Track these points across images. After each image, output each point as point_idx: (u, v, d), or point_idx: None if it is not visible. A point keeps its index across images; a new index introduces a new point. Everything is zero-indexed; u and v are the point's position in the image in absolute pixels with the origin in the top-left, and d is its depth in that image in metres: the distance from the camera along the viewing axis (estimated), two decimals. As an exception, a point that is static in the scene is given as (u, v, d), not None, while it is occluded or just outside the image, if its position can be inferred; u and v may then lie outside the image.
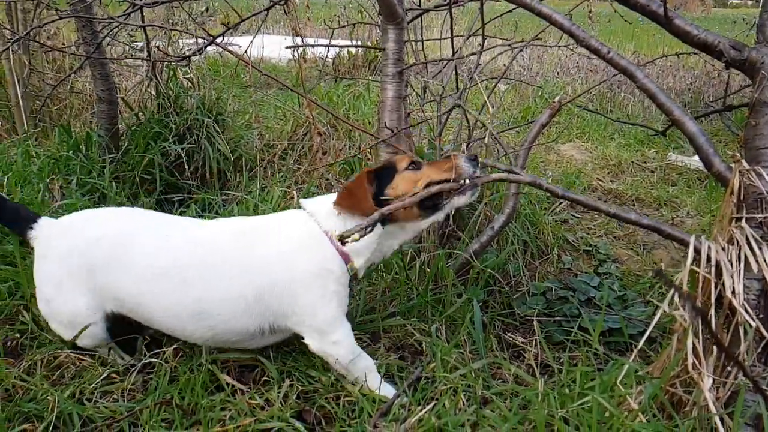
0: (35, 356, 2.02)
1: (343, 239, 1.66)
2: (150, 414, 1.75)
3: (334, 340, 1.90)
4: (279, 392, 1.90)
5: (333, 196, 1.98)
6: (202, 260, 1.92)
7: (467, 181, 1.95)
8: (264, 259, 1.92)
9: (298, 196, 3.08)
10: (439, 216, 2.02)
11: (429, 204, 1.96)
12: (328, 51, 4.80)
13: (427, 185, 1.93)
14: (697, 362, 1.61)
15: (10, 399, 1.84)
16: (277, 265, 1.91)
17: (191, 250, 1.94)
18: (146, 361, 2.00)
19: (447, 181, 1.94)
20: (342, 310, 1.96)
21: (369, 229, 1.70)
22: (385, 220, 1.92)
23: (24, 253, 2.41)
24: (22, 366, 2.00)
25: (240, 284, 1.89)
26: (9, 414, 1.76)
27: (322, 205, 1.99)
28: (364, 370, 1.94)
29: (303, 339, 1.95)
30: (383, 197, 1.94)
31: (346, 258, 1.94)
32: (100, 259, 1.92)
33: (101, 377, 1.97)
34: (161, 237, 1.97)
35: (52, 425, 1.75)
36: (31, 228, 2.00)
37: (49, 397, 1.82)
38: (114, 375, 2.00)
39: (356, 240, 1.66)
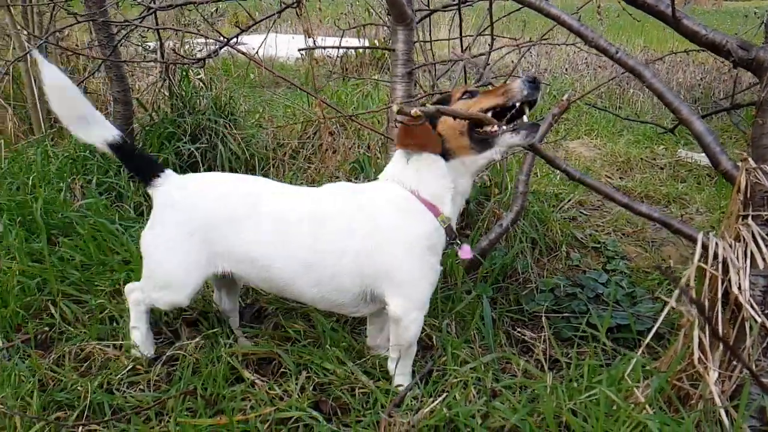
0: (64, 349, 2.11)
1: (401, 111, 1.64)
2: (175, 403, 1.83)
3: (414, 317, 1.96)
4: (296, 384, 1.97)
5: (397, 162, 2.00)
6: (318, 216, 1.98)
7: (525, 119, 1.87)
8: (369, 221, 1.96)
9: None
10: (493, 154, 1.91)
11: (479, 137, 1.88)
12: (338, 52, 4.85)
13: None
14: (703, 356, 1.66)
15: (43, 389, 1.92)
16: (382, 228, 1.95)
17: (309, 207, 2.01)
18: (170, 353, 2.07)
19: (501, 107, 1.85)
20: (431, 291, 1.99)
21: (424, 120, 1.69)
22: (447, 155, 1.91)
23: (51, 251, 2.50)
24: (52, 358, 2.08)
25: (347, 241, 1.95)
26: (43, 402, 1.85)
27: (395, 166, 2.01)
28: (409, 354, 2.03)
29: (388, 305, 1.97)
30: (438, 130, 1.91)
31: (435, 211, 1.95)
32: (225, 216, 2.00)
33: (127, 368, 2.05)
34: (283, 195, 2.07)
35: (84, 414, 1.83)
36: (158, 176, 2.08)
37: (79, 387, 1.91)
38: (139, 366, 2.08)
39: (418, 114, 1.64)
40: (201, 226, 2.01)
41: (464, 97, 1.94)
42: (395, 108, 1.68)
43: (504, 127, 1.85)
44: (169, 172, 2.11)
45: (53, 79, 1.93)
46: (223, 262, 2.04)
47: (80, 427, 1.75)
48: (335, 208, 2.01)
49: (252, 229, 1.99)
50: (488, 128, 1.86)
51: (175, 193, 2.06)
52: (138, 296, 2.11)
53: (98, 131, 2.03)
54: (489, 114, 1.86)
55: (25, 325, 2.29)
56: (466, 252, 2.06)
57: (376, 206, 1.98)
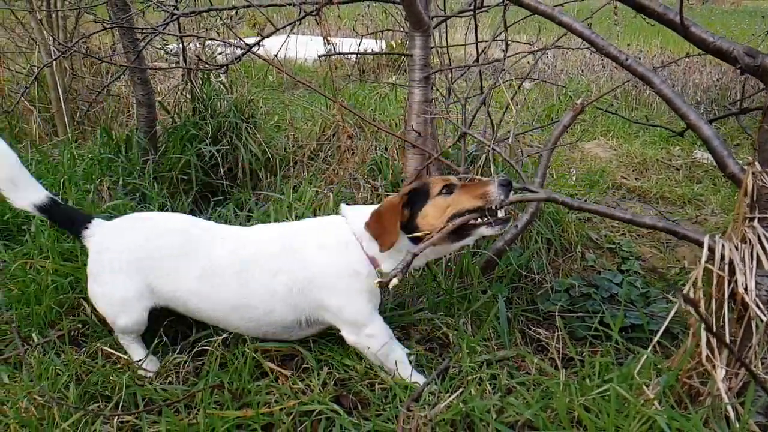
0: (95, 344, 2.21)
1: (382, 285, 1.72)
2: (203, 397, 1.92)
3: (368, 333, 2.07)
4: (318, 379, 2.06)
5: (371, 208, 2.10)
6: (249, 258, 2.11)
7: (500, 213, 1.99)
8: (301, 258, 2.09)
9: (333, 196, 3.21)
10: (467, 242, 2.08)
11: (456, 231, 2.00)
12: (358, 57, 4.92)
13: (458, 214, 2.00)
14: (710, 355, 1.71)
15: (79, 382, 2.03)
16: (312, 264, 2.08)
17: (240, 250, 2.14)
18: (198, 349, 2.16)
19: (479, 209, 1.99)
20: (373, 305, 2.12)
21: (405, 271, 1.77)
22: (416, 240, 2.04)
23: (82, 251, 2.61)
24: (85, 353, 2.19)
25: (279, 280, 2.07)
26: (79, 394, 1.95)
27: (360, 215, 2.10)
28: (396, 360, 2.09)
29: (340, 332, 2.12)
30: (417, 222, 2.04)
31: (374, 263, 2.08)
32: (155, 258, 2.11)
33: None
34: (214, 238, 2.18)
35: (119, 405, 1.93)
36: (86, 228, 2.19)
37: (112, 379, 2.01)
38: (167, 362, 2.19)
39: (396, 285, 1.74)
40: (131, 263, 2.11)
41: (443, 191, 2.05)
42: (375, 283, 1.77)
43: (480, 221, 2.00)
44: (97, 221, 2.22)
45: None
46: (158, 299, 2.16)
47: (115, 418, 1.85)
48: (265, 249, 2.13)
49: (180, 271, 2.11)
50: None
51: (107, 237, 2.17)
52: (121, 340, 2.22)
53: (25, 194, 2.13)
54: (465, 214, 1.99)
55: (59, 322, 2.40)
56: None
57: (306, 244, 2.11)
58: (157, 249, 2.12)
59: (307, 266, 2.07)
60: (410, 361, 2.15)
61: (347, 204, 2.21)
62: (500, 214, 2.00)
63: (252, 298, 2.09)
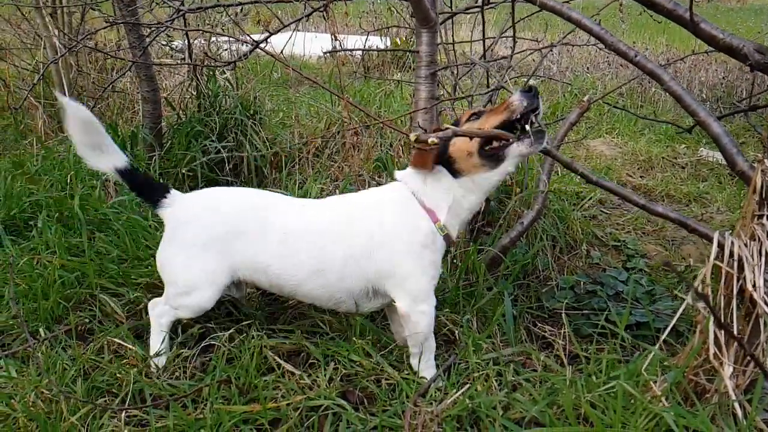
0: (102, 340, 2.22)
1: (418, 140, 1.75)
2: (210, 391, 1.93)
3: (422, 310, 2.07)
4: (325, 374, 2.07)
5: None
6: (325, 226, 2.15)
7: (528, 128, 1.94)
8: (369, 225, 2.11)
9: (340, 192, 3.22)
10: (507, 167, 2.02)
11: (489, 153, 1.98)
12: (363, 54, 4.92)
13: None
14: (718, 352, 1.71)
15: (86, 377, 2.04)
16: (380, 226, 2.10)
17: (317, 218, 2.19)
18: (206, 344, 2.17)
19: (506, 122, 1.94)
20: (434, 284, 2.12)
21: (442, 137, 1.77)
22: (456, 173, 2.04)
23: (89, 246, 2.62)
24: (92, 348, 2.20)
25: (351, 245, 2.10)
26: (87, 388, 1.96)
27: (411, 173, 2.13)
28: (428, 347, 2.12)
29: (395, 302, 2.12)
30: (449, 152, 2.04)
31: (433, 217, 2.08)
32: (239, 231, 2.14)
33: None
34: (290, 207, 2.22)
35: (126, 400, 1.94)
36: (165, 197, 2.21)
37: (119, 375, 2.02)
38: (175, 357, 2.20)
39: (435, 143, 1.73)
40: (215, 239, 2.13)
41: (471, 118, 2.06)
42: (412, 137, 1.79)
43: (510, 139, 1.95)
44: (174, 192, 2.23)
45: (77, 113, 2.04)
46: (239, 271, 2.18)
47: (123, 412, 1.86)
48: (337, 217, 2.17)
49: (262, 242, 2.13)
50: (495, 144, 1.98)
51: (186, 210, 2.19)
52: (161, 309, 2.21)
53: (110, 159, 2.15)
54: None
55: (66, 317, 2.41)
56: None
57: (374, 211, 2.14)
58: (239, 223, 2.15)
59: (378, 230, 2.09)
60: None
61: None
62: (529, 130, 1.95)
63: (327, 262, 2.10)
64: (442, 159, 2.06)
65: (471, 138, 1.97)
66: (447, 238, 2.11)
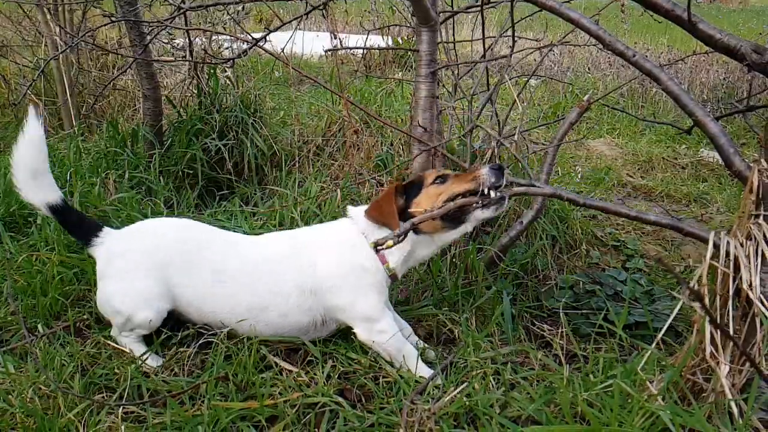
0: (100, 336, 2.22)
1: (377, 246, 1.84)
2: (208, 388, 1.93)
3: (379, 329, 2.10)
4: (323, 372, 2.07)
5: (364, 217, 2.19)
6: (261, 262, 2.17)
7: (492, 194, 2.03)
8: (311, 260, 2.14)
9: (340, 191, 3.21)
10: (466, 228, 2.13)
11: (453, 217, 2.07)
12: (364, 52, 4.93)
13: (450, 198, 2.07)
14: (714, 351, 1.71)
15: (84, 373, 2.04)
16: (322, 265, 2.13)
17: (255, 254, 2.20)
18: (203, 341, 2.17)
19: (471, 192, 2.05)
20: (382, 300, 2.15)
21: (401, 238, 1.87)
22: (416, 231, 2.11)
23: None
24: (90, 344, 2.20)
25: (293, 282, 2.12)
26: (84, 385, 1.96)
27: (363, 221, 2.18)
28: (405, 354, 2.12)
29: (353, 330, 2.16)
30: (410, 210, 2.12)
31: (382, 259, 2.14)
32: (174, 263, 2.14)
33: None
34: (228, 244, 2.23)
35: (123, 396, 1.94)
36: (96, 236, 2.19)
37: (117, 371, 2.02)
38: (172, 354, 2.20)
39: (390, 246, 1.84)
40: (150, 264, 2.13)
41: (437, 181, 2.14)
42: (371, 244, 1.92)
43: (474, 205, 2.05)
44: (107, 229, 2.22)
45: (34, 133, 2.05)
46: (175, 301, 2.17)
47: (120, 408, 1.86)
48: (277, 253, 2.19)
49: (195, 276, 2.14)
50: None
51: (122, 242, 2.18)
52: (123, 340, 2.19)
53: (42, 191, 2.11)
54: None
55: (65, 313, 2.42)
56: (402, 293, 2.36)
57: (315, 246, 2.18)
58: (175, 254, 2.15)
59: (317, 268, 2.13)
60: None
61: (352, 203, 2.25)
62: (492, 195, 2.04)
63: (265, 301, 2.13)
64: (402, 217, 2.10)
65: (433, 219, 2.02)
66: (393, 276, 2.18)
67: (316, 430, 1.85)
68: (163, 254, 2.14)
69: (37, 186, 2.09)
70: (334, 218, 2.47)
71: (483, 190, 2.02)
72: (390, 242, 1.81)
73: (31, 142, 2.04)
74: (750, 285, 1.65)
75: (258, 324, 2.15)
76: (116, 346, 2.21)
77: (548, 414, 1.80)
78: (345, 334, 2.31)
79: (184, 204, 3.53)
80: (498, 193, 2.04)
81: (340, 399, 1.94)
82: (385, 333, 2.09)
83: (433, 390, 1.99)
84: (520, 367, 2.20)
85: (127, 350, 2.17)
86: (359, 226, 2.17)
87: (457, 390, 1.94)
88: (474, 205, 2.05)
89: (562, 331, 2.44)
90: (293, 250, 2.18)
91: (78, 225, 2.20)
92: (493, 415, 1.82)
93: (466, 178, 2.09)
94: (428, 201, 2.09)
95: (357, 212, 2.21)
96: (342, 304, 2.12)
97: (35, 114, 2.03)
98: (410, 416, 1.77)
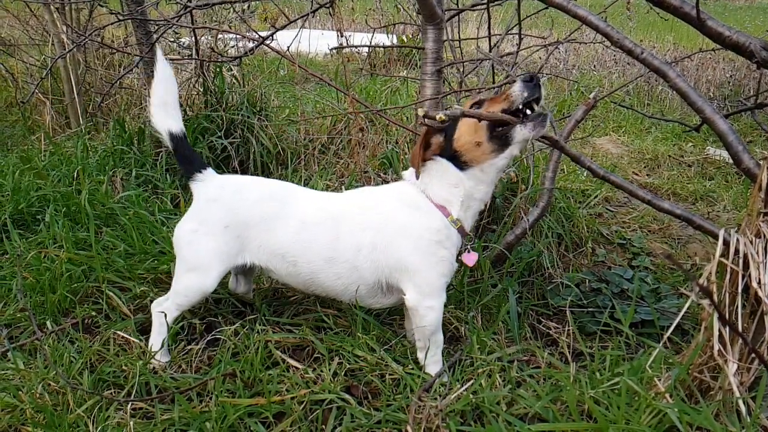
0: (109, 333, 2.24)
1: (426, 115, 1.77)
2: (216, 385, 1.94)
3: (429, 305, 2.08)
4: (329, 369, 2.08)
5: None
6: (338, 215, 2.18)
7: (529, 112, 1.97)
8: (385, 216, 2.14)
9: (346, 189, 3.22)
10: (513, 150, 2.02)
11: (499, 136, 1.98)
12: (370, 50, 4.92)
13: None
14: (722, 349, 1.71)
15: (92, 370, 2.05)
16: (395, 221, 2.12)
17: (331, 208, 2.22)
18: (211, 338, 2.18)
19: (506, 111, 1.95)
20: (445, 280, 2.12)
21: (451, 114, 1.80)
22: (463, 165, 2.06)
23: (96, 240, 2.64)
24: (99, 341, 2.21)
25: (362, 236, 2.12)
26: (93, 381, 1.98)
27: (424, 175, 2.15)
28: (435, 342, 2.13)
29: (404, 294, 2.13)
30: (453, 147, 2.05)
31: (444, 212, 2.10)
32: (260, 217, 2.18)
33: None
34: (310, 199, 2.26)
35: (132, 393, 1.96)
36: (200, 172, 2.27)
37: (125, 367, 2.04)
38: (180, 351, 2.21)
39: (442, 119, 1.76)
40: (238, 223, 2.17)
41: (473, 107, 2.05)
42: (420, 112, 1.82)
43: (515, 120, 1.96)
44: (210, 170, 2.29)
45: (166, 70, 2.20)
46: (252, 256, 2.21)
47: (129, 404, 1.87)
48: (352, 208, 2.19)
49: (282, 229, 2.17)
50: (500, 127, 1.99)
51: (217, 190, 2.23)
52: (164, 306, 2.22)
53: (169, 122, 2.23)
54: None
55: (73, 310, 2.43)
56: (469, 259, 2.23)
57: (388, 205, 2.16)
58: (267, 210, 2.19)
59: (390, 223, 2.12)
60: None
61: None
62: (531, 113, 1.97)
63: (341, 251, 2.13)
64: (446, 154, 2.07)
65: (480, 120, 1.98)
66: (461, 230, 2.13)
67: (323, 426, 1.86)
68: (250, 211, 2.19)
69: (167, 116, 2.23)
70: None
71: (519, 107, 1.95)
72: (441, 115, 1.74)
73: (164, 80, 2.19)
74: (759, 282, 1.64)
75: (330, 277, 2.17)
76: (126, 337, 2.22)
77: (555, 411, 1.80)
78: (351, 330, 2.31)
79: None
80: (538, 108, 1.96)
81: (346, 396, 1.95)
82: (433, 310, 2.08)
83: (440, 387, 2.00)
84: (526, 365, 2.20)
85: (155, 324, 2.20)
86: (417, 183, 2.14)
87: (464, 387, 1.94)
88: (512, 121, 1.95)
89: (568, 330, 2.43)
90: (369, 206, 2.18)
91: (187, 158, 2.29)
92: (500, 413, 1.82)
93: (498, 99, 1.99)
94: (468, 129, 2.02)
95: (410, 173, 2.19)
96: (408, 265, 2.09)
97: (162, 56, 2.22)
98: (417, 413, 1.77)
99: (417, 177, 2.07)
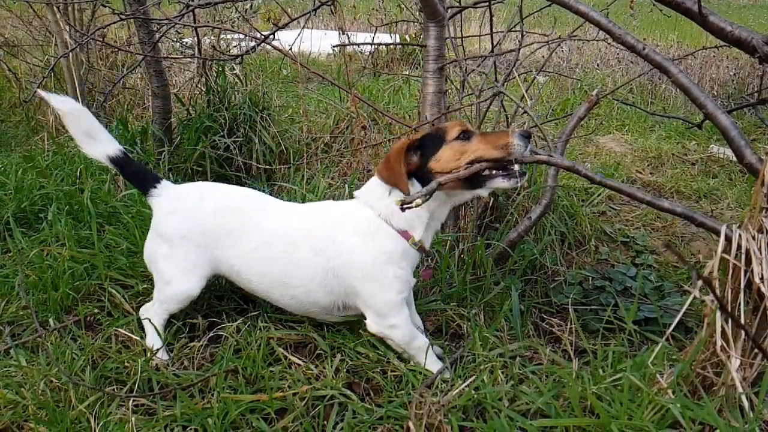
0: (111, 330, 2.24)
1: (403, 205, 1.74)
2: (218, 381, 1.94)
3: (391, 324, 2.07)
4: (331, 365, 2.08)
5: (376, 187, 2.09)
6: (293, 239, 2.15)
7: (515, 166, 1.94)
8: (335, 244, 2.09)
9: (349, 189, 3.22)
10: (482, 192, 2.02)
11: (471, 179, 1.97)
12: (372, 48, 4.92)
13: (473, 162, 1.94)
14: (725, 345, 1.70)
15: (94, 366, 2.06)
16: (345, 251, 2.08)
17: (287, 228, 2.18)
18: (213, 334, 2.19)
19: (498, 160, 1.93)
20: (402, 296, 2.09)
21: (427, 197, 1.77)
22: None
23: (98, 238, 2.65)
24: (101, 338, 2.22)
25: (314, 264, 2.11)
26: (95, 377, 1.98)
27: (373, 190, 2.10)
28: (416, 348, 2.11)
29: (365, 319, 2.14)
30: (430, 166, 1.98)
31: (405, 235, 2.06)
32: (221, 231, 2.18)
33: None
34: (268, 213, 2.23)
35: (134, 389, 1.96)
36: (155, 187, 2.26)
37: (127, 364, 2.04)
38: (182, 347, 2.21)
39: (418, 205, 1.75)
40: (197, 233, 2.18)
41: (461, 137, 1.99)
42: (397, 202, 1.79)
43: (496, 172, 1.96)
44: (165, 182, 2.28)
45: (69, 107, 2.15)
46: (220, 266, 2.22)
47: (131, 400, 1.88)
48: (306, 231, 2.15)
49: (238, 246, 2.17)
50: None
51: (173, 202, 2.23)
52: (152, 311, 2.23)
53: (102, 147, 2.21)
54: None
55: (75, 308, 2.44)
56: (426, 274, 2.26)
57: (342, 230, 2.10)
58: (223, 223, 2.18)
59: (341, 252, 2.08)
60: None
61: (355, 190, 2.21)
62: (516, 168, 1.95)
63: (294, 277, 2.13)
64: (419, 173, 2.02)
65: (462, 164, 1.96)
66: (421, 249, 2.11)
67: (325, 422, 1.86)
68: (212, 223, 2.18)
69: (95, 143, 2.21)
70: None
71: (512, 160, 1.92)
72: (419, 200, 1.72)
73: (68, 114, 2.16)
74: (762, 278, 1.64)
75: (285, 297, 2.17)
76: (129, 334, 2.22)
77: (557, 407, 1.79)
78: (353, 326, 2.31)
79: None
80: (521, 168, 1.95)
81: (348, 392, 1.95)
82: (396, 328, 2.07)
83: (442, 384, 2.00)
84: (529, 362, 2.19)
85: (148, 329, 2.20)
86: (375, 208, 2.07)
87: (466, 383, 1.94)
88: (494, 172, 1.96)
89: (571, 327, 2.42)
90: (321, 232, 2.12)
91: (138, 175, 2.29)
92: (502, 409, 1.82)
93: (494, 143, 1.94)
94: (451, 158, 1.96)
95: (366, 193, 2.12)
96: (361, 292, 2.08)
97: (45, 93, 2.15)
98: (419, 409, 1.77)
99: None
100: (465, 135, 1.99)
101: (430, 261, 2.24)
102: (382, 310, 2.07)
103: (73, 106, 2.16)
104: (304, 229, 2.16)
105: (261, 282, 2.18)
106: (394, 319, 2.06)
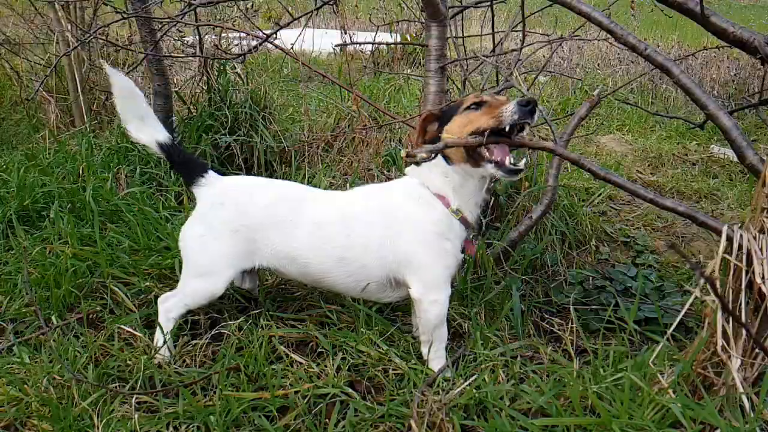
0: (113, 327, 2.25)
1: (409, 155, 1.79)
2: (220, 379, 1.95)
3: (434, 299, 2.08)
4: (333, 364, 2.09)
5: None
6: (347, 215, 2.18)
7: (508, 160, 1.95)
8: (386, 214, 2.15)
9: (349, 186, 3.22)
10: (483, 172, 2.02)
11: (473, 155, 2.01)
12: (374, 47, 4.92)
13: (474, 133, 1.95)
14: (726, 344, 1.71)
15: (97, 364, 2.06)
16: (402, 216, 2.13)
17: (340, 207, 2.22)
18: (215, 332, 2.19)
19: (492, 129, 1.91)
20: (449, 272, 2.13)
21: (432, 156, 1.83)
22: (447, 159, 2.09)
23: (101, 236, 2.65)
24: (104, 335, 2.23)
25: (370, 234, 2.13)
26: (98, 373, 1.99)
27: (419, 169, 2.17)
28: (438, 337, 2.13)
29: (409, 288, 2.13)
30: (442, 136, 2.04)
31: (445, 202, 2.11)
32: (271, 221, 2.18)
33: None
34: (318, 200, 2.25)
35: (136, 387, 1.97)
36: (202, 177, 2.25)
37: (130, 361, 2.05)
38: (184, 345, 2.22)
39: (424, 158, 1.80)
40: (248, 227, 2.17)
41: (471, 107, 2.03)
42: (403, 153, 1.82)
43: (490, 158, 1.98)
44: (212, 173, 2.27)
45: (120, 83, 2.15)
46: (261, 259, 2.21)
47: (133, 397, 1.88)
48: (360, 206, 2.20)
49: (294, 232, 2.17)
50: (481, 150, 1.99)
51: (223, 194, 2.23)
52: (172, 302, 2.22)
53: (151, 132, 2.21)
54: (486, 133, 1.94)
55: (78, 305, 2.44)
56: (469, 248, 2.23)
57: (392, 200, 2.18)
58: (272, 215, 2.18)
59: (396, 218, 2.13)
60: None
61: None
62: (508, 161, 1.96)
63: (351, 251, 2.14)
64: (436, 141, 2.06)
65: (471, 127, 1.99)
66: (464, 221, 2.13)
67: (327, 420, 1.87)
68: (259, 215, 2.18)
69: (144, 128, 2.20)
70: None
71: (505, 128, 1.89)
72: (423, 154, 1.78)
73: (122, 92, 2.16)
74: (763, 278, 1.64)
75: (342, 276, 2.17)
76: (131, 331, 2.23)
77: (558, 406, 1.80)
78: (354, 325, 2.32)
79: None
80: (515, 165, 1.95)
81: (350, 390, 1.96)
82: (437, 304, 2.08)
83: (443, 382, 2.00)
84: (530, 361, 2.20)
85: (160, 323, 2.19)
86: (415, 176, 2.17)
87: (467, 382, 1.94)
88: (486, 156, 1.97)
89: (571, 327, 2.43)
90: (374, 205, 2.19)
91: (185, 163, 2.26)
92: (503, 407, 1.82)
93: (492, 112, 1.94)
94: (457, 128, 2.02)
95: (412, 167, 2.20)
96: (413, 260, 2.10)
97: (110, 67, 2.15)
98: (421, 407, 1.78)
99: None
100: (476, 106, 2.03)
101: (473, 238, 2.26)
102: (429, 282, 2.09)
103: (132, 88, 2.17)
104: (358, 204, 2.22)
105: (320, 263, 2.17)
106: (438, 294, 2.08)
